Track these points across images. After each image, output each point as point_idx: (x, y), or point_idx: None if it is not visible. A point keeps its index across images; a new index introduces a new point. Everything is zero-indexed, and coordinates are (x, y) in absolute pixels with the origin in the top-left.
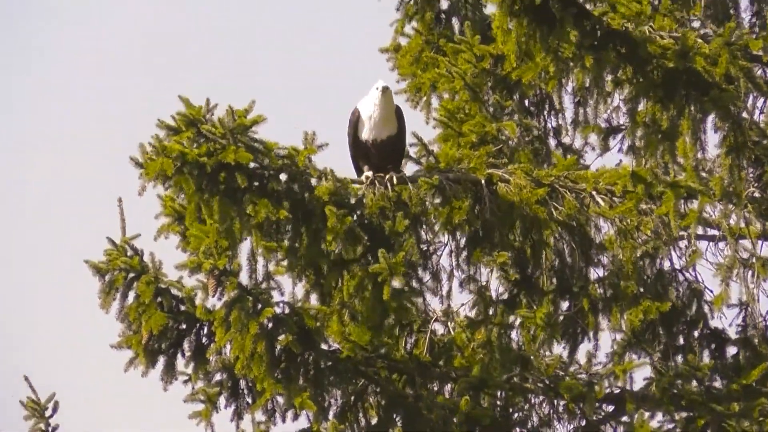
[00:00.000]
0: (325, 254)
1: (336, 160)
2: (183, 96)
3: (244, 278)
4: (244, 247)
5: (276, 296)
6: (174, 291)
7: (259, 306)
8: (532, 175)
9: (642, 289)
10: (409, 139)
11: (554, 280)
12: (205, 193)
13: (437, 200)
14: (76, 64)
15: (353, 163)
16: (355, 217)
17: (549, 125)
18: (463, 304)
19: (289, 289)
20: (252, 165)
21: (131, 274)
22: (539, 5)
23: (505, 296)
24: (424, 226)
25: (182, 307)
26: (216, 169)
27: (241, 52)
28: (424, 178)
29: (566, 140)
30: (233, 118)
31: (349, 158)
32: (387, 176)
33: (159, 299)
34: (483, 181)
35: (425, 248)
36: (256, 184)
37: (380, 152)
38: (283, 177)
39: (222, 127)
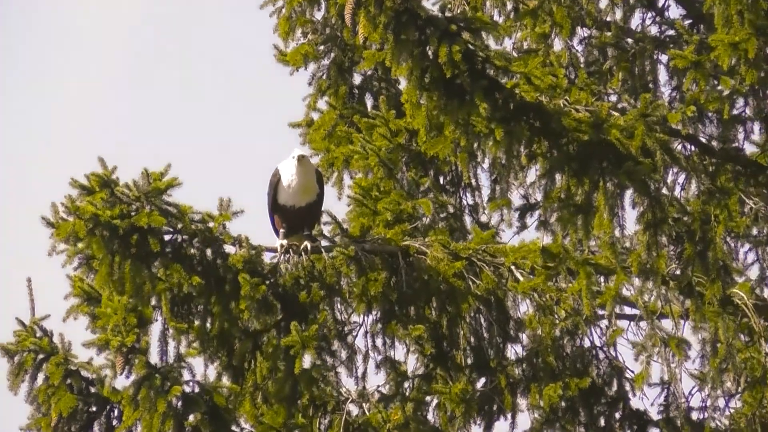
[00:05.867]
0: (236, 323)
1: (250, 224)
2: (100, 156)
3: (155, 358)
4: (156, 328)
5: (187, 376)
6: (84, 372)
7: (168, 384)
8: (450, 247)
9: (561, 366)
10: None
11: (471, 356)
12: (116, 255)
13: (352, 271)
14: None
15: (270, 219)
16: (268, 285)
17: (465, 202)
18: (378, 386)
19: (201, 371)
20: (165, 229)
21: (40, 356)
22: (449, 78)
23: (421, 371)
24: (339, 298)
25: (92, 389)
26: (128, 232)
27: (155, 119)
28: (340, 248)
29: (483, 218)
30: (148, 181)
31: (267, 216)
32: (302, 245)
33: (69, 381)
34: (399, 253)
35: (340, 328)
36: (169, 249)
37: (298, 216)
38: (196, 243)
39: (136, 189)
